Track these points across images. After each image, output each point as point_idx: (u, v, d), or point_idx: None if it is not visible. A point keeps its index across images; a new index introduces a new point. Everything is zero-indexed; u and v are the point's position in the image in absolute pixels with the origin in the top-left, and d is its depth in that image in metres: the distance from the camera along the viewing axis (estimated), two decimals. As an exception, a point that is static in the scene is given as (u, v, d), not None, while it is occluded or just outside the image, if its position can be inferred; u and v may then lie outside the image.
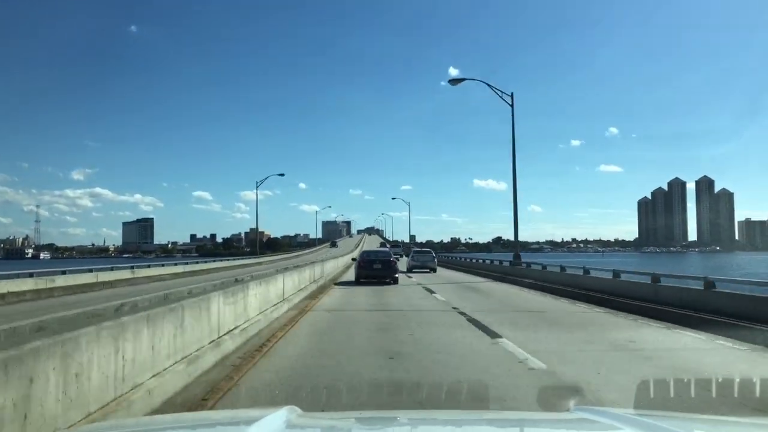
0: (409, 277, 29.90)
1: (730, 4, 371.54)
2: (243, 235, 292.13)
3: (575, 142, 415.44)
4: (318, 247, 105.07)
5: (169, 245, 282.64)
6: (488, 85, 28.75)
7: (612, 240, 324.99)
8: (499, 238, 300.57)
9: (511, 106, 28.40)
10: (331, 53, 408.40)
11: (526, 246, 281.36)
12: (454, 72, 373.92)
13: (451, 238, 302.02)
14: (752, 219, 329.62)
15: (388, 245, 77.62)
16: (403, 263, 37.38)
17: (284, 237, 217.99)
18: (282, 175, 59.49)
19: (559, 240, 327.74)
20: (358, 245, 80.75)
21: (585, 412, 2.46)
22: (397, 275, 25.17)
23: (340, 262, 38.19)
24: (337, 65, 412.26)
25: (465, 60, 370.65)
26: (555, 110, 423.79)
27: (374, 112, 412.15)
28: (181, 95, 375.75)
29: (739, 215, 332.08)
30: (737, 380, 6.30)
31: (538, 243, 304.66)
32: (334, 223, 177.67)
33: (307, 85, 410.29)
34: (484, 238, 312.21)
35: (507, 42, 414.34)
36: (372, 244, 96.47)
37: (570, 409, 2.72)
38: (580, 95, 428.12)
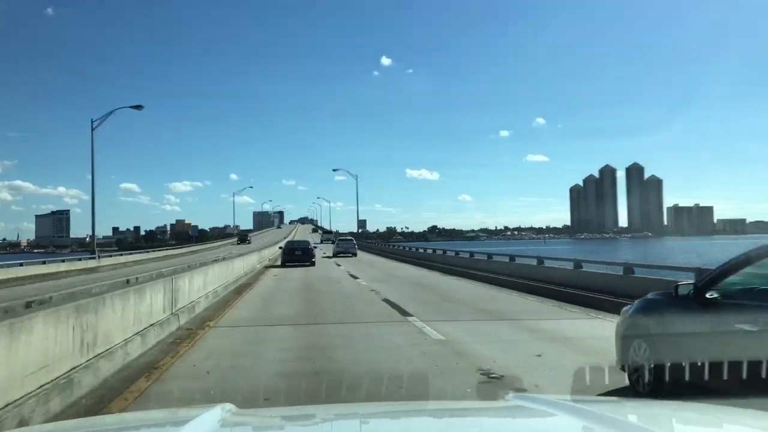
0: (335, 262, 36.06)
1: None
2: (168, 227, 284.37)
3: (504, 133, 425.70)
4: (218, 243, 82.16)
5: (87, 239, 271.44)
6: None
7: (544, 227, 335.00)
8: (434, 227, 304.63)
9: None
10: (260, 40, 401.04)
11: (462, 234, 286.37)
12: (386, 62, 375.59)
13: (387, 228, 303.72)
14: (680, 205, 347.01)
15: (320, 232, 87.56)
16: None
17: (213, 229, 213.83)
18: (139, 107, 36.63)
19: (492, 228, 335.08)
20: (287, 237, 78.73)
21: (521, 400, 2.53)
22: (314, 259, 33.37)
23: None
24: (267, 53, 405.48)
25: (397, 50, 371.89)
26: (485, 101, 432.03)
27: (308, 102, 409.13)
28: (104, 82, 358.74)
29: (668, 202, 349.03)
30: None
31: (473, 231, 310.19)
32: (266, 213, 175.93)
33: (238, 73, 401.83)
34: (418, 227, 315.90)
35: (438, 33, 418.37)
36: (304, 232, 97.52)
37: (506, 397, 2.73)
38: (508, 87, 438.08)
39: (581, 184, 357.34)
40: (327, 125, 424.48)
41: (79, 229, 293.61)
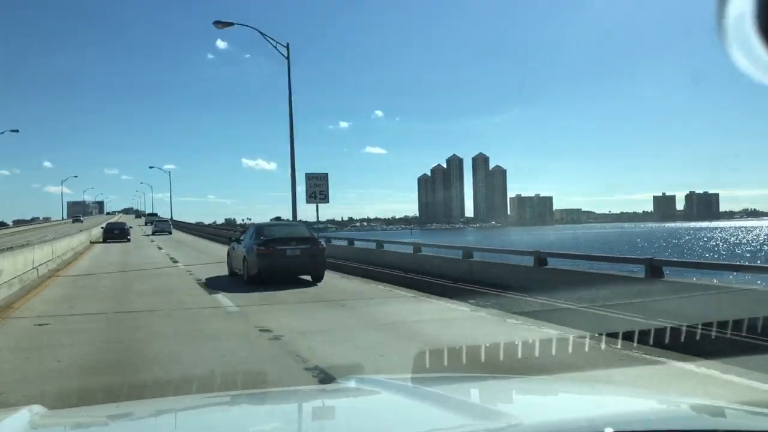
0: (152, 239, 46.13)
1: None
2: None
3: (344, 124, 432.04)
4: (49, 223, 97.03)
5: None
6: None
7: (390, 218, 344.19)
8: (278, 218, 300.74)
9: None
10: (85, 20, 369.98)
11: (310, 225, 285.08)
12: (222, 45, 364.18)
13: (226, 219, 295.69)
14: (522, 195, 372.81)
15: (143, 217, 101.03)
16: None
17: (18, 222, 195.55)
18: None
19: (339, 219, 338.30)
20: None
21: (352, 381, 2.68)
22: (129, 237, 43.76)
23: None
24: (89, 31, 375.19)
25: (233, 32, 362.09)
26: (324, 92, 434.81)
27: (135, 86, 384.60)
28: None
29: (511, 191, 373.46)
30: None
31: (320, 222, 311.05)
32: (83, 203, 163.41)
33: (56, 53, 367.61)
34: (258, 218, 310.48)
35: (279, 19, 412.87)
36: (127, 219, 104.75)
37: (340, 380, 2.96)
38: (348, 78, 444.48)
39: (429, 174, 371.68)
40: (157, 110, 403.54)
41: None
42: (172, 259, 25.68)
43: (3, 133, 48.15)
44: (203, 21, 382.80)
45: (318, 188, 24.70)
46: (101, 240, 42.23)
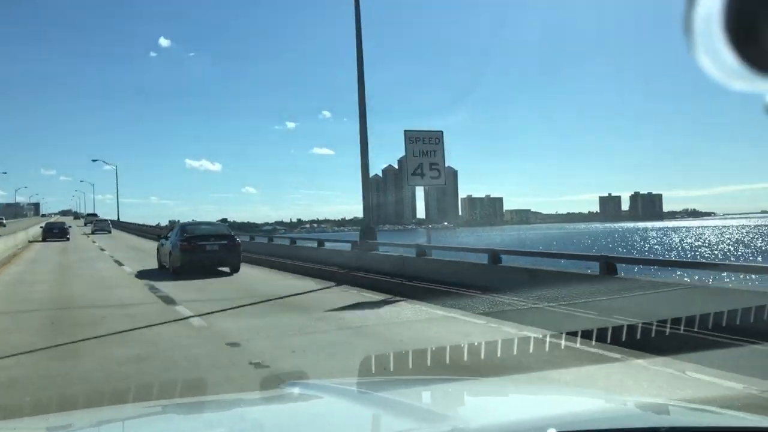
0: (92, 239, 46.48)
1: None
2: None
3: (291, 125, 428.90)
4: None
5: None
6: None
7: (340, 219, 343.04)
8: (225, 219, 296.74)
9: None
10: (22, 15, 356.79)
11: (258, 228, 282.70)
12: (165, 42, 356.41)
13: (170, 221, 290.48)
14: (473, 196, 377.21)
15: (82, 218, 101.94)
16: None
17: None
18: None
19: (287, 221, 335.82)
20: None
21: (296, 387, 2.68)
22: (68, 236, 44.84)
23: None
24: (28, 29, 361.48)
25: (177, 30, 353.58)
26: (272, 92, 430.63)
27: (73, 83, 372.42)
28: None
29: (462, 192, 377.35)
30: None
31: (269, 224, 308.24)
32: (16, 205, 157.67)
33: None
34: (202, 219, 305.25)
35: (224, 17, 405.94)
36: (66, 220, 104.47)
37: (282, 385, 2.83)
38: (296, 78, 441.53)
39: (381, 174, 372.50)
40: (97, 109, 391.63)
41: None
42: (101, 249, 32.35)
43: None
44: (146, 18, 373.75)
45: (427, 159, 15.22)
46: (40, 239, 43.46)
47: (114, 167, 78.18)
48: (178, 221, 23.95)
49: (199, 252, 17.63)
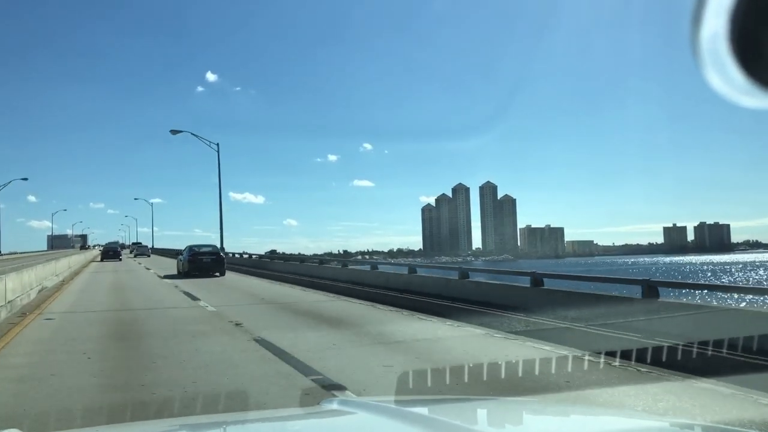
0: (136, 260, 59.52)
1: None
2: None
3: (332, 157, 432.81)
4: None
5: None
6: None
7: (389, 251, 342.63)
8: (273, 251, 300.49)
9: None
10: (61, 48, 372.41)
11: (309, 259, 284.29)
12: (211, 77, 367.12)
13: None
14: (533, 226, 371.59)
15: (127, 247, 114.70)
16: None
17: None
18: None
19: (336, 252, 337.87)
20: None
21: (335, 404, 2.82)
22: (121, 257, 60.15)
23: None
24: (70, 62, 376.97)
25: (224, 67, 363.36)
26: (314, 125, 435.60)
27: (121, 119, 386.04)
28: None
29: (521, 222, 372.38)
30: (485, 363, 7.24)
31: (317, 255, 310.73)
32: (64, 237, 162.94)
33: (34, 85, 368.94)
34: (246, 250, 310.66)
35: (268, 53, 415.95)
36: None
37: (323, 402, 2.99)
38: (338, 112, 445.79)
39: (433, 203, 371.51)
40: (142, 145, 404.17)
41: None
42: (139, 263, 49.25)
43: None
44: (196, 52, 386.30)
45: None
46: (99, 259, 59.63)
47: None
48: (188, 245, 32.53)
49: (198, 262, 29.69)
